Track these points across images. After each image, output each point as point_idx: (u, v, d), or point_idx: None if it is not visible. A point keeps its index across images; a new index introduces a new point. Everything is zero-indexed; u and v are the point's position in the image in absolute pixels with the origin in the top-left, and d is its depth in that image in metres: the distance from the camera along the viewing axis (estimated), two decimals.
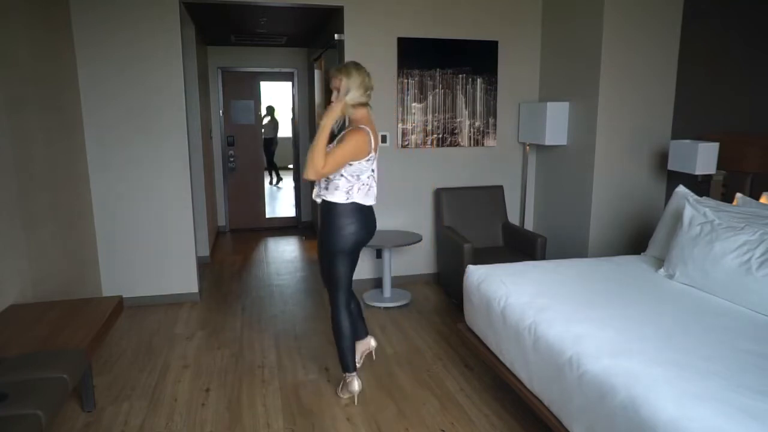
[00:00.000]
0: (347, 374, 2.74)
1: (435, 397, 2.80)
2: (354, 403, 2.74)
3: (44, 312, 2.65)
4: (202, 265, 5.03)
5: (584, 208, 4.05)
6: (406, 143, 4.42)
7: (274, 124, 10.54)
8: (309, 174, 2.41)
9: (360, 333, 2.98)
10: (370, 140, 2.51)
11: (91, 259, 3.86)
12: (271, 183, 10.99)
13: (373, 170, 2.60)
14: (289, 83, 7.08)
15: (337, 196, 2.54)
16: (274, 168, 11.01)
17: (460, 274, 3.32)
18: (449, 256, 4.13)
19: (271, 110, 10.46)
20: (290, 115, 7.56)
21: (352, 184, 2.55)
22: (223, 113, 6.65)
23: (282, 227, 7.24)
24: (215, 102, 6.53)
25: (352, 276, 2.73)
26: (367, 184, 2.59)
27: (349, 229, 2.57)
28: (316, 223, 6.56)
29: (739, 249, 2.46)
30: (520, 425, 2.55)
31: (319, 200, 2.64)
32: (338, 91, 2.52)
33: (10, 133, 2.70)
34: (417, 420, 2.59)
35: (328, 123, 2.44)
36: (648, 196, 4.05)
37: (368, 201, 2.62)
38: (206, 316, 3.96)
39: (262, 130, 10.16)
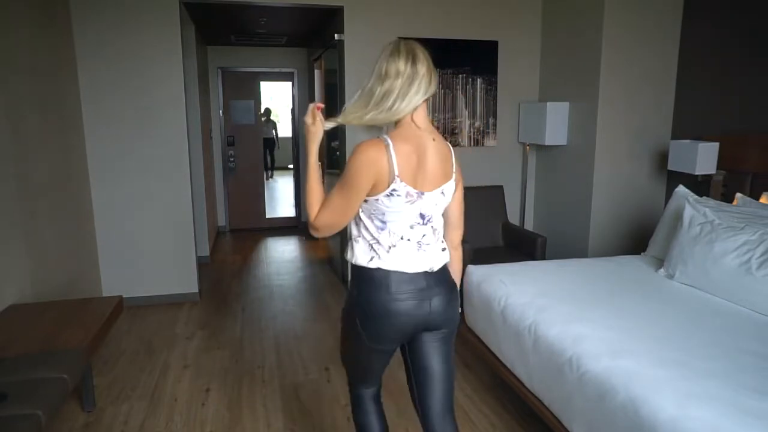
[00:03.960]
0: None
1: None
2: None
3: (44, 312, 2.65)
4: (202, 265, 5.03)
5: (584, 208, 4.05)
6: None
7: (271, 125, 10.85)
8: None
9: None
10: (381, 156, 1.48)
11: (91, 259, 3.86)
12: (270, 177, 11.87)
13: (423, 216, 1.56)
14: (289, 83, 7.08)
15: (358, 255, 1.59)
16: (271, 166, 11.86)
17: None
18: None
19: (267, 112, 10.71)
20: (290, 116, 7.58)
21: (376, 231, 1.56)
22: (223, 113, 6.65)
23: (282, 227, 7.24)
24: (215, 102, 6.53)
25: (374, 369, 1.81)
26: (403, 234, 1.56)
27: (365, 313, 1.59)
28: None
29: (739, 249, 2.46)
30: (520, 425, 2.55)
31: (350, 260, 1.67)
32: None
33: (10, 133, 2.70)
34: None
35: None
36: (648, 196, 4.05)
37: (408, 267, 1.57)
38: (206, 316, 3.96)
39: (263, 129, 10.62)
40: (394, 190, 1.49)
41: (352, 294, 1.64)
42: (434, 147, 1.55)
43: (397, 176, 1.48)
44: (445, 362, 1.72)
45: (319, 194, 1.57)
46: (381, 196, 1.50)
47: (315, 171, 1.59)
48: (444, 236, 1.69)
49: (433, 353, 1.70)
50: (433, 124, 1.64)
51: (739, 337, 2.07)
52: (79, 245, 3.63)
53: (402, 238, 1.55)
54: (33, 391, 1.92)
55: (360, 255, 1.58)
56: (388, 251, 1.55)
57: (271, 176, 12.16)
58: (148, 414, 2.66)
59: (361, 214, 1.57)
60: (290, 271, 5.16)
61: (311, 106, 1.60)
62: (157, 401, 2.78)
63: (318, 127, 1.58)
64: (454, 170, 1.61)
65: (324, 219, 1.54)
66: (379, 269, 1.56)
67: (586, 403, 1.90)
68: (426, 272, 1.59)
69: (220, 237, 6.65)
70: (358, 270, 1.60)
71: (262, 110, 10.68)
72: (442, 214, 1.66)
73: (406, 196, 1.51)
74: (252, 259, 5.62)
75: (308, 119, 1.58)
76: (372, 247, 1.56)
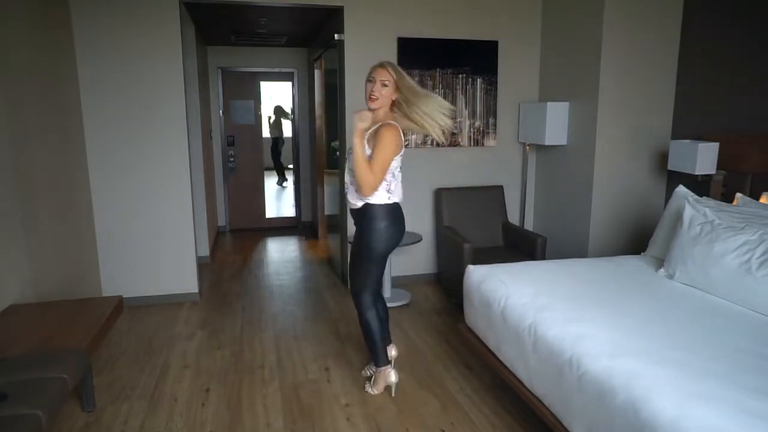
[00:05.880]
0: (381, 368, 2.79)
1: (435, 397, 2.80)
2: (392, 394, 2.78)
3: (44, 312, 2.65)
4: (202, 265, 5.03)
5: (584, 208, 4.06)
6: (406, 143, 4.41)
7: (279, 124, 10.57)
8: (365, 191, 2.50)
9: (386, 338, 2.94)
10: (401, 134, 2.56)
11: (91, 259, 3.86)
12: (278, 183, 10.95)
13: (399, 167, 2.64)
14: (289, 83, 7.08)
15: (379, 197, 2.56)
16: (280, 168, 10.96)
17: (460, 274, 3.32)
18: (449, 256, 4.13)
19: (278, 111, 10.44)
20: (290, 115, 7.57)
21: (389, 183, 2.57)
22: (223, 113, 6.65)
23: (282, 227, 7.24)
24: (215, 102, 6.53)
25: (381, 278, 2.76)
26: (399, 180, 2.64)
27: (390, 230, 2.60)
28: (316, 223, 6.57)
29: (739, 249, 2.46)
30: (520, 425, 2.55)
31: (359, 204, 2.61)
32: (382, 85, 2.55)
33: (10, 133, 2.70)
34: (417, 420, 2.59)
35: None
36: (648, 196, 4.05)
37: (400, 198, 2.66)
38: (206, 316, 3.96)
39: (268, 130, 10.30)
40: (402, 152, 2.58)
41: (371, 227, 2.58)
42: None
43: (404, 145, 2.59)
44: None
45: (368, 164, 2.47)
46: (398, 156, 2.56)
47: (363, 153, 2.48)
48: None
49: None
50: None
51: (739, 337, 2.07)
52: (79, 245, 3.63)
53: (397, 180, 2.63)
54: (33, 391, 1.92)
55: (381, 196, 2.56)
56: (394, 189, 2.61)
57: (282, 183, 10.76)
58: (148, 414, 2.66)
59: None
60: (290, 271, 5.16)
61: (365, 112, 2.53)
62: (157, 401, 2.78)
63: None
64: None
65: (379, 179, 2.49)
66: (390, 204, 2.60)
67: (586, 404, 1.90)
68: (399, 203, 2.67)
69: (220, 237, 6.65)
70: (379, 207, 2.57)
71: (272, 109, 10.32)
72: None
73: (401, 156, 2.59)
74: (252, 259, 5.62)
75: (364, 124, 2.51)
76: (388, 189, 2.58)
